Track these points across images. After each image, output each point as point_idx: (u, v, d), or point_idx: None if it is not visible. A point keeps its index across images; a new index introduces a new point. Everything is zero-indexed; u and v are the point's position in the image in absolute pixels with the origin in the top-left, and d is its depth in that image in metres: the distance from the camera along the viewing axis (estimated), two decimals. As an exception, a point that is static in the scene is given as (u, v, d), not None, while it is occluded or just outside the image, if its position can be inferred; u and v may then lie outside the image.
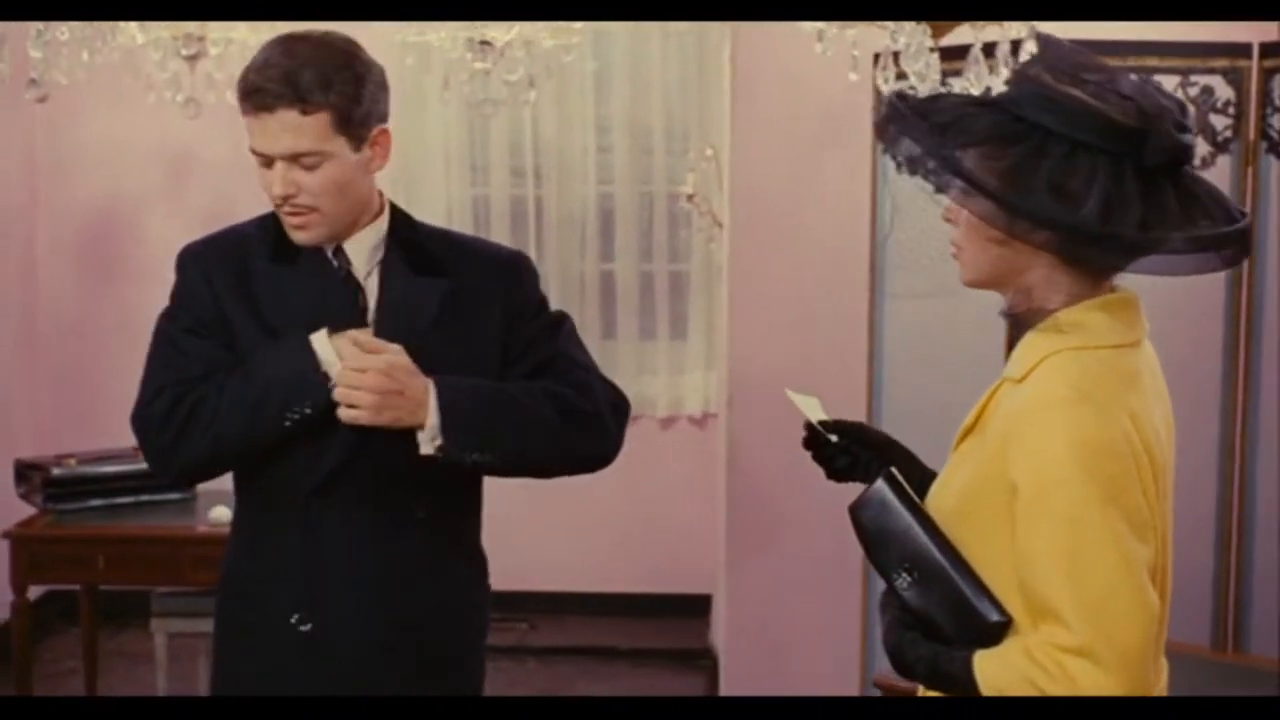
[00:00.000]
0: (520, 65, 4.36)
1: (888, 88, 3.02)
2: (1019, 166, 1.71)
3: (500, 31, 4.29)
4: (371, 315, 2.24)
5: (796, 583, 4.19)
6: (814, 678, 4.12)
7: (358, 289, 2.25)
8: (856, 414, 3.90)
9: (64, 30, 2.91)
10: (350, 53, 2.20)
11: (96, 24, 2.99)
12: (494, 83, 4.49)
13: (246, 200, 5.27)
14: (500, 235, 5.55)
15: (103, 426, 5.17)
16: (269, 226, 2.27)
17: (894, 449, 2.02)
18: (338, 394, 2.13)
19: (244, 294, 2.23)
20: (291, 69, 2.12)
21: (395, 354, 2.15)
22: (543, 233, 5.60)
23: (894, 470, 1.87)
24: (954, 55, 3.08)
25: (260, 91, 2.12)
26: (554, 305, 5.71)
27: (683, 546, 5.56)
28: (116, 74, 4.00)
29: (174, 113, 4.87)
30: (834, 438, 2.01)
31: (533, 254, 5.56)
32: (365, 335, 2.18)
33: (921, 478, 1.94)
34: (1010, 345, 1.87)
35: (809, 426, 2.02)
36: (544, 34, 4.17)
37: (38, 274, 5.51)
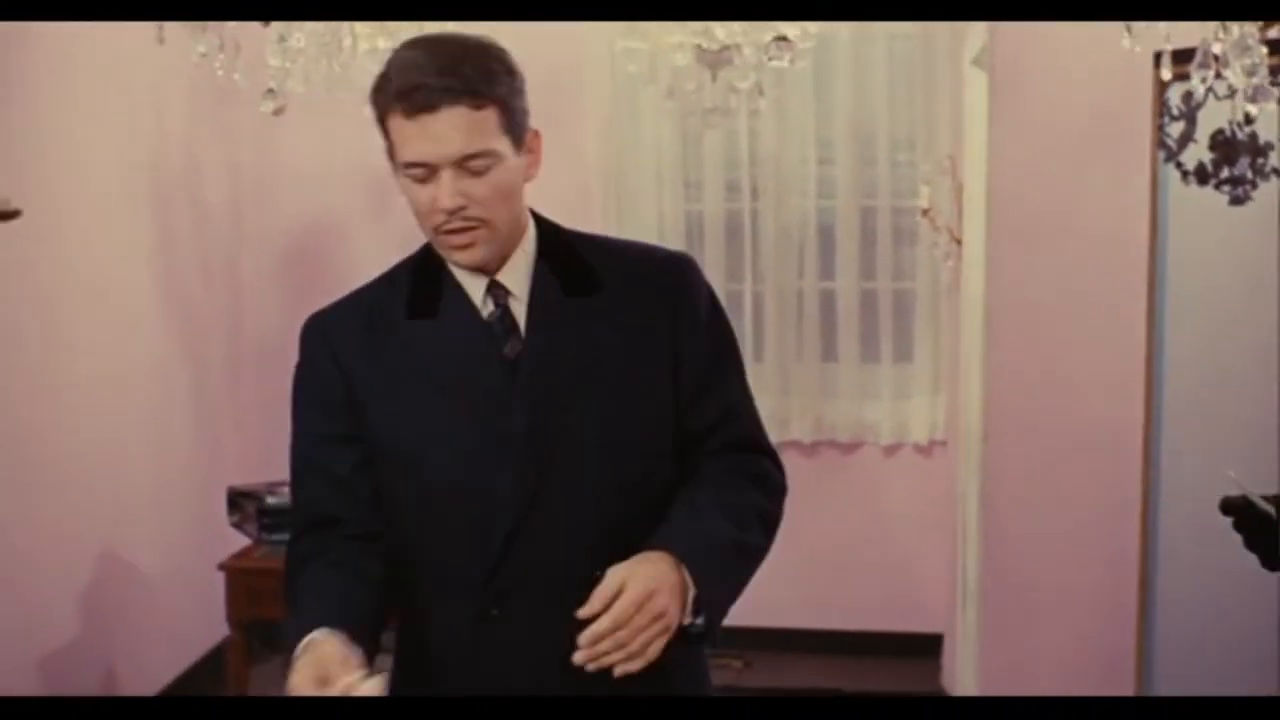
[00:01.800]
0: (751, 72, 4.10)
1: (1203, 87, 2.68)
2: None
3: (725, 35, 4.04)
4: (518, 350, 1.93)
5: (1052, 626, 3.84)
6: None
7: (509, 333, 1.94)
8: (1133, 447, 3.57)
9: (301, 36, 2.70)
10: (496, 46, 1.91)
11: (335, 30, 2.78)
12: (719, 91, 4.25)
13: None
14: (715, 252, 5.30)
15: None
16: (399, 281, 1.99)
17: None
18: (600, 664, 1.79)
19: (376, 361, 1.95)
20: (450, 63, 1.82)
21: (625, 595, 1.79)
22: (759, 249, 5.32)
23: None
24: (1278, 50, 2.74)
25: (421, 89, 1.80)
26: (770, 325, 5.47)
27: (910, 582, 5.24)
28: (325, 91, 3.82)
29: (377, 131, 4.76)
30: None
31: (748, 271, 5.31)
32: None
33: None
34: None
35: (1245, 507, 1.69)
36: (769, 36, 3.89)
37: (243, 296, 5.40)
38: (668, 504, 1.91)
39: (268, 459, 5.05)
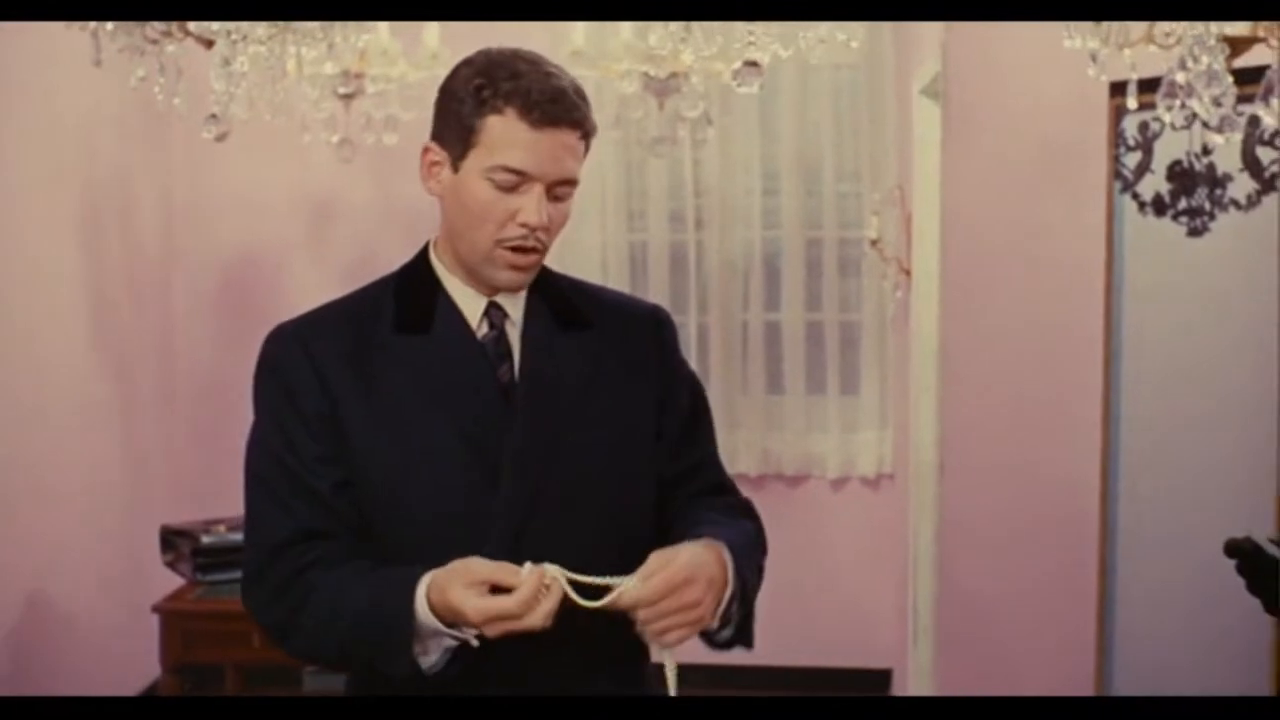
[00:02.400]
0: (700, 100, 4.05)
1: (1170, 116, 2.64)
2: None
3: (675, 64, 3.98)
4: (516, 377, 1.87)
5: (1009, 661, 3.79)
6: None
7: (503, 357, 1.88)
8: (1091, 482, 3.53)
9: (244, 60, 2.60)
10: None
11: (278, 54, 2.68)
12: (667, 119, 4.18)
13: (391, 248, 5.07)
14: (659, 283, 5.23)
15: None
16: (382, 295, 1.90)
17: None
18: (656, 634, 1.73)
19: (362, 375, 1.84)
20: (574, 86, 1.81)
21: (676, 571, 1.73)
22: (704, 280, 5.26)
23: None
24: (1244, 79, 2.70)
25: (560, 102, 1.78)
26: (715, 357, 5.45)
27: (858, 616, 5.18)
28: (263, 117, 3.71)
29: (316, 156, 4.65)
30: None
31: (693, 303, 5.25)
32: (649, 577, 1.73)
33: None
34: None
35: (1252, 551, 1.64)
36: (720, 64, 3.84)
37: (175, 327, 5.26)
38: (652, 540, 1.83)
39: (202, 497, 4.93)
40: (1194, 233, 3.28)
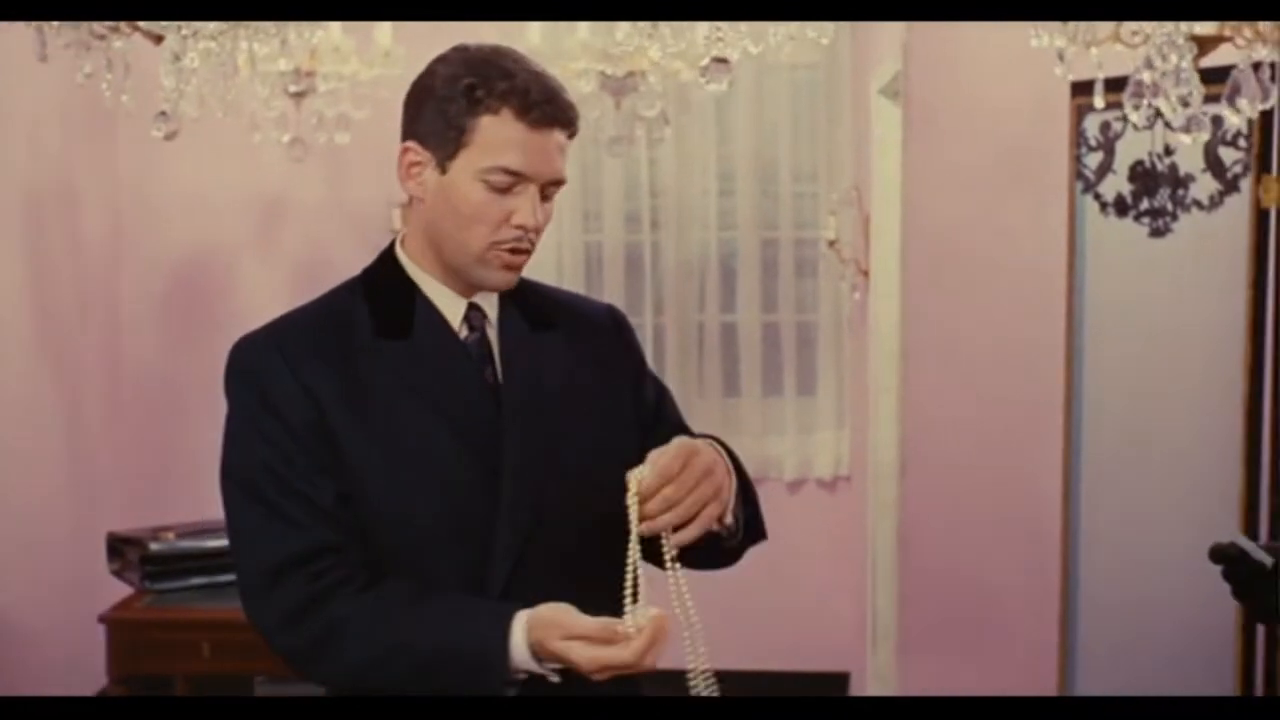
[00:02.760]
0: (657, 100, 4.00)
1: (1137, 115, 2.61)
2: None
3: (632, 63, 3.93)
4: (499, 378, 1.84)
5: (970, 664, 3.77)
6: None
7: (485, 358, 1.85)
8: (1052, 484, 3.51)
9: (195, 56, 2.53)
10: None
11: (230, 50, 2.61)
12: (624, 119, 4.14)
13: (343, 249, 5.05)
14: (614, 284, 5.18)
15: (199, 495, 4.78)
16: (352, 299, 1.85)
17: None
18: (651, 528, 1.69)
19: (348, 382, 1.78)
20: (559, 84, 1.79)
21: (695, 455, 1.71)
22: (659, 282, 5.21)
23: None
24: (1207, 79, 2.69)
25: (554, 103, 1.75)
26: (671, 359, 5.41)
27: (815, 619, 5.14)
28: (212, 116, 3.63)
29: (266, 155, 4.57)
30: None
31: (648, 304, 5.20)
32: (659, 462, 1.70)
33: None
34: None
35: (1237, 557, 1.61)
36: (679, 63, 3.79)
37: (122, 332, 5.15)
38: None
39: (150, 503, 4.83)
40: (1156, 233, 3.28)
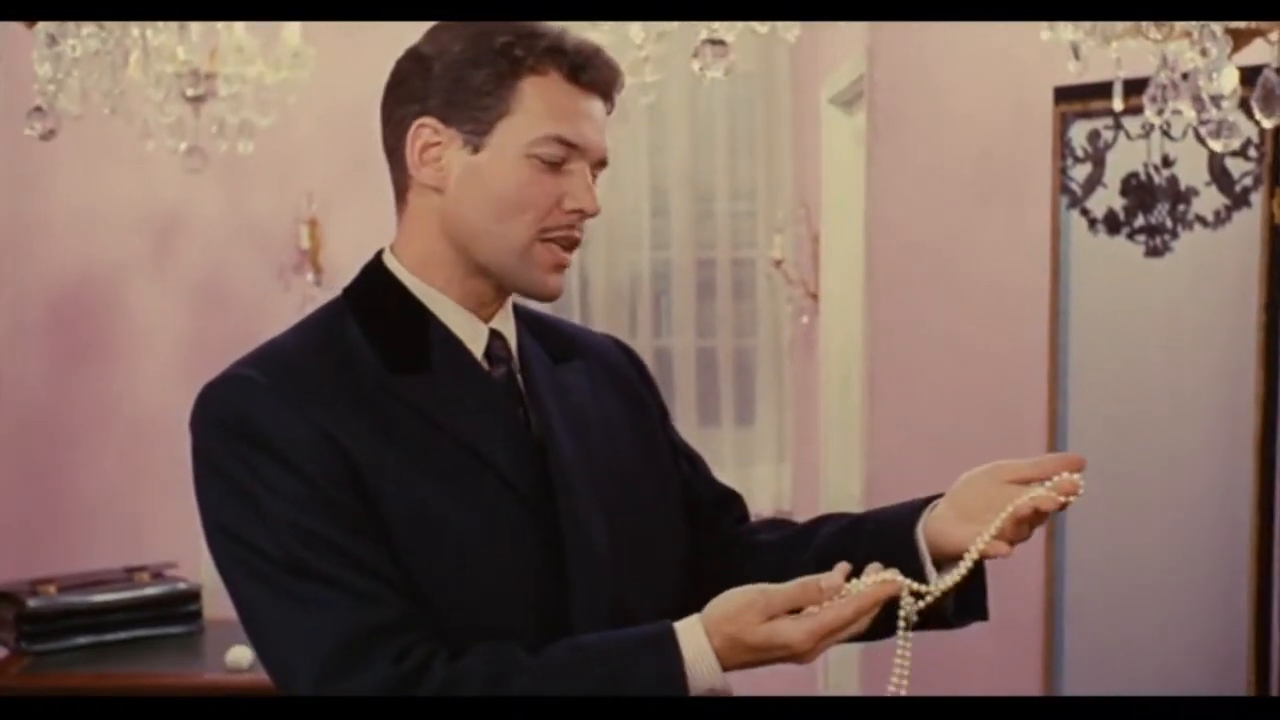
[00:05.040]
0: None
1: (1159, 119, 2.34)
2: None
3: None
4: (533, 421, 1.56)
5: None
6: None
7: (514, 393, 1.54)
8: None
9: (76, 44, 2.15)
10: None
11: (119, 39, 2.24)
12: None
13: (245, 269, 4.67)
14: (540, 307, 4.84)
15: (85, 542, 4.41)
16: (347, 329, 1.51)
17: None
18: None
19: (373, 425, 1.45)
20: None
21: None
22: (589, 304, 4.96)
23: None
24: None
25: (604, 64, 1.48)
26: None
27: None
28: (99, 119, 3.23)
29: (160, 165, 4.21)
30: None
31: (576, 329, 4.89)
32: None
33: None
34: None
35: None
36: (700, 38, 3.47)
37: (-2, 358, 4.71)
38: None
39: (27, 554, 4.41)
40: (1153, 252, 3.02)
